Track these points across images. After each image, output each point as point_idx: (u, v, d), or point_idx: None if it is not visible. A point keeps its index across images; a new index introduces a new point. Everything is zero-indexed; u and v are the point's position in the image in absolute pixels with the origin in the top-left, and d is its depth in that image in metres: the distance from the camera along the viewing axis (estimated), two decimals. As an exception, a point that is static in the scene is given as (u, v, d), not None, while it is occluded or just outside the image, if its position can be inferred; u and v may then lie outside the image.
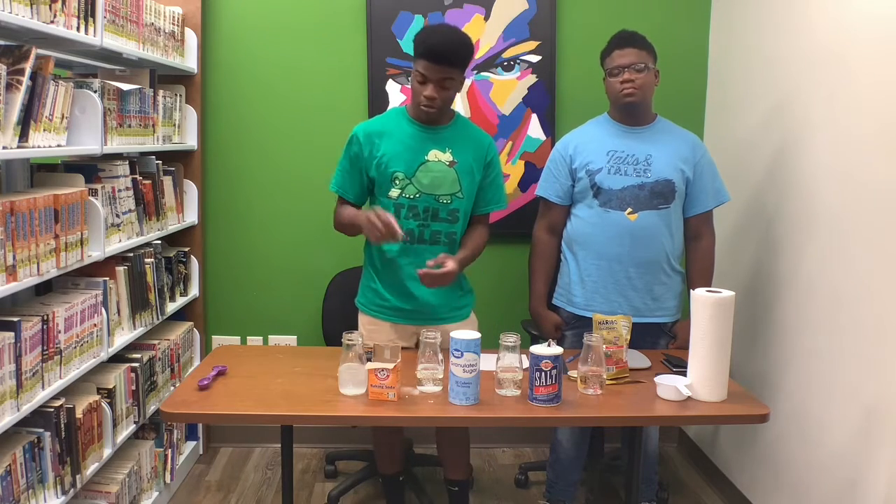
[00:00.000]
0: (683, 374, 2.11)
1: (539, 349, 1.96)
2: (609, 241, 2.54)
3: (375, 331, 2.45)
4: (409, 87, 3.14)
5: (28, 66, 1.88)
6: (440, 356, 2.03)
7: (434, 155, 2.38)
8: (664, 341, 2.64)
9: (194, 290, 3.28)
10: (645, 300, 2.57)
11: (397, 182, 2.38)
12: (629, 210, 2.51)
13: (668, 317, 2.62)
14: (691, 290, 2.06)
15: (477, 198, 2.47)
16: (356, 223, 2.36)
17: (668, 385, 2.03)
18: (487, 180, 2.47)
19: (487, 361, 2.05)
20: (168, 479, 2.95)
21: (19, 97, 1.86)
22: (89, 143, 2.25)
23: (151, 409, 2.75)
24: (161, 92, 2.85)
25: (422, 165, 2.38)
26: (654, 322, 2.59)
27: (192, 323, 3.24)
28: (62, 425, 2.11)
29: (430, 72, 2.26)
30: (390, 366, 1.96)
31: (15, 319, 1.89)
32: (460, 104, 3.31)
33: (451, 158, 2.39)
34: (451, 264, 2.29)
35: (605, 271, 2.56)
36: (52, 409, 2.07)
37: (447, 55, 2.26)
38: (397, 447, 2.76)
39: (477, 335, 1.95)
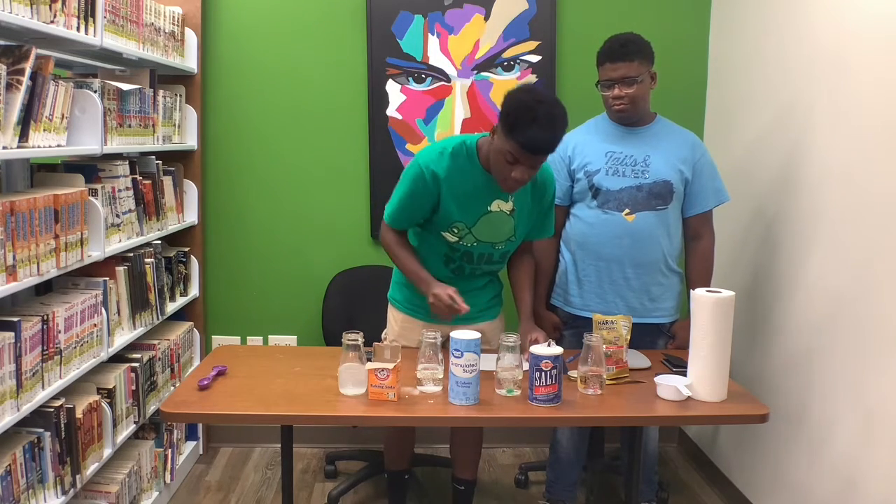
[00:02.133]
0: (683, 374, 2.11)
1: (539, 349, 1.96)
2: (606, 242, 2.54)
3: (409, 329, 2.43)
4: (412, 86, 3.07)
5: (28, 66, 1.88)
6: (440, 356, 2.04)
7: (497, 205, 2.28)
8: (662, 342, 2.64)
9: (194, 290, 3.28)
10: (642, 300, 2.57)
11: (455, 230, 2.30)
12: (627, 211, 2.51)
13: (665, 317, 2.62)
14: (691, 290, 2.06)
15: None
16: (414, 282, 2.34)
17: (668, 385, 2.03)
18: (541, 211, 2.41)
19: (487, 361, 2.05)
20: (168, 479, 2.95)
21: (19, 97, 1.86)
22: (89, 143, 2.25)
23: (151, 409, 2.75)
24: (161, 92, 2.86)
25: (483, 217, 2.28)
26: (652, 322, 2.59)
27: (192, 323, 3.24)
28: (62, 425, 2.11)
29: (523, 158, 2.08)
30: (390, 366, 1.96)
31: (15, 319, 1.89)
32: (460, 104, 3.31)
33: (511, 207, 2.30)
34: (535, 335, 2.26)
35: (603, 272, 2.56)
36: (52, 409, 2.07)
37: (547, 150, 2.11)
38: (408, 445, 2.76)
39: (477, 335, 1.95)
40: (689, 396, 2.02)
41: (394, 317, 2.52)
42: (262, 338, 3.45)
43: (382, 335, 2.54)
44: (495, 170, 2.18)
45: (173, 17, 2.98)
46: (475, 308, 2.40)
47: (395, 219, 2.37)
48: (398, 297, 2.51)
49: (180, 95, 3.11)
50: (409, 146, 3.32)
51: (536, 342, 2.15)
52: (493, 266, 2.42)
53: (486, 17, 3.29)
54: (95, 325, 2.29)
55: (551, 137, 2.08)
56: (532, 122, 2.03)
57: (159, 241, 2.88)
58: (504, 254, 2.41)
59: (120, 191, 2.49)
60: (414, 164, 2.29)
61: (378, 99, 3.31)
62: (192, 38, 3.16)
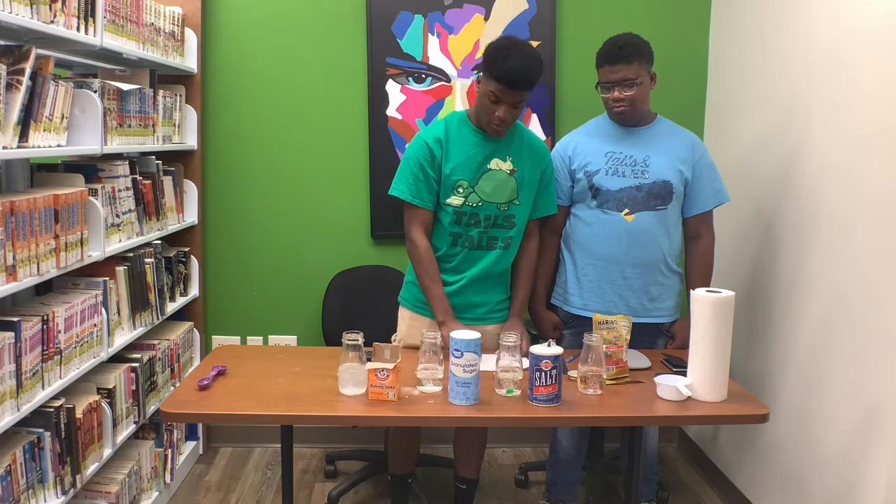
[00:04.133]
0: (683, 374, 2.11)
1: (539, 349, 1.96)
2: (606, 242, 2.54)
3: (417, 326, 2.44)
4: (412, 86, 3.10)
5: (28, 66, 1.88)
6: (440, 356, 2.04)
7: (496, 163, 2.39)
8: (662, 342, 2.64)
9: (194, 290, 3.28)
10: (642, 300, 2.57)
11: (460, 190, 2.38)
12: (626, 211, 2.51)
13: (665, 317, 2.61)
14: (691, 290, 2.06)
15: (532, 202, 2.49)
16: (430, 300, 2.40)
17: (668, 385, 2.03)
18: (542, 185, 2.49)
19: (487, 361, 2.05)
20: (168, 479, 2.95)
21: (19, 97, 1.86)
22: (89, 143, 2.25)
23: (151, 409, 2.75)
24: (161, 92, 2.86)
25: (484, 174, 2.38)
26: (652, 322, 2.59)
27: (192, 323, 3.24)
28: (62, 425, 2.11)
29: (504, 95, 2.24)
30: (390, 366, 1.96)
31: (15, 319, 1.89)
32: (460, 104, 3.31)
33: (511, 167, 2.40)
34: (517, 333, 2.24)
35: (602, 271, 2.56)
36: (52, 409, 2.07)
37: (525, 83, 2.24)
38: (414, 448, 2.77)
39: (477, 335, 1.95)
40: (689, 396, 2.02)
41: (402, 315, 2.54)
42: (262, 338, 3.45)
43: (392, 338, 2.54)
44: (482, 115, 2.33)
45: (173, 17, 2.98)
46: (484, 309, 2.44)
47: (411, 191, 2.41)
48: (406, 295, 2.54)
49: (180, 95, 3.11)
50: (408, 146, 3.32)
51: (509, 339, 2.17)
52: (501, 231, 2.43)
53: (486, 17, 3.29)
54: (95, 325, 2.29)
55: (526, 70, 2.23)
56: (507, 58, 2.22)
57: (159, 241, 2.88)
58: (509, 218, 2.42)
59: (120, 191, 2.49)
60: (414, 139, 2.46)
61: (378, 99, 3.31)
62: (192, 38, 3.16)
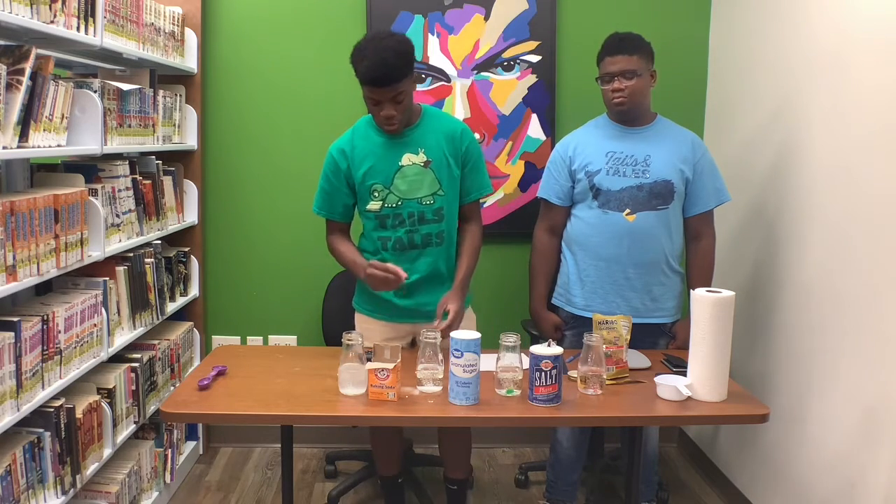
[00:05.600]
0: (683, 374, 2.11)
1: (539, 349, 1.96)
2: (607, 242, 2.54)
3: (370, 329, 2.44)
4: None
5: (28, 66, 1.88)
6: (440, 356, 2.03)
7: (407, 159, 2.36)
8: (663, 342, 2.64)
9: (194, 290, 3.28)
10: (644, 300, 2.57)
11: (376, 194, 2.36)
12: (627, 211, 2.51)
13: (667, 317, 2.62)
14: (691, 290, 2.06)
15: (461, 187, 2.44)
16: (354, 271, 2.40)
17: (668, 385, 2.03)
18: (467, 168, 2.43)
19: (487, 361, 2.05)
20: (168, 479, 2.95)
21: (19, 97, 1.86)
22: (89, 143, 2.25)
23: (151, 409, 2.75)
24: (161, 92, 2.86)
25: (397, 172, 2.35)
26: (653, 322, 2.59)
27: (192, 323, 3.24)
28: (62, 425, 2.11)
29: (376, 94, 2.22)
30: (390, 366, 1.96)
31: (15, 319, 1.89)
32: (460, 104, 3.31)
33: (424, 158, 2.36)
34: (452, 306, 2.29)
35: (604, 272, 2.56)
36: (52, 409, 2.07)
37: (386, 78, 2.18)
38: (396, 449, 2.74)
39: (476, 335, 1.95)
40: (689, 396, 2.02)
41: (356, 319, 2.54)
42: (262, 338, 3.45)
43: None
44: (374, 118, 2.32)
45: (173, 17, 2.98)
46: (426, 311, 2.40)
47: (320, 204, 2.46)
48: (357, 299, 2.55)
49: (180, 95, 3.11)
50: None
51: (448, 310, 2.24)
52: (431, 226, 2.39)
53: (486, 17, 3.29)
54: (95, 325, 2.29)
55: (383, 64, 2.16)
56: (363, 59, 2.19)
57: (159, 241, 2.88)
58: (437, 211, 2.38)
59: (120, 191, 2.49)
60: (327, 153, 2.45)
61: (378, 99, 3.30)
62: (192, 38, 3.16)
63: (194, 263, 3.28)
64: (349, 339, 2.00)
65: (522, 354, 2.04)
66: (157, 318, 2.81)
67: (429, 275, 2.41)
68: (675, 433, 3.60)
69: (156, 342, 2.83)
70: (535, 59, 3.31)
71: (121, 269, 2.50)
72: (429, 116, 2.42)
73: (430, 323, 2.29)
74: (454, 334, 1.95)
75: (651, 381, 2.11)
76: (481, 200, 2.55)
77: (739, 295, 2.16)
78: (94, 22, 2.24)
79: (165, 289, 2.92)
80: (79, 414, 2.19)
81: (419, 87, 3.30)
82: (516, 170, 3.36)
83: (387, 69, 2.17)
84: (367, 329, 2.45)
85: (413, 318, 2.43)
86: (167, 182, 2.96)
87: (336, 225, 2.48)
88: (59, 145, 2.10)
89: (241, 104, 3.33)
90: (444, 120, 2.47)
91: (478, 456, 3.37)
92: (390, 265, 2.25)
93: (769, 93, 2.83)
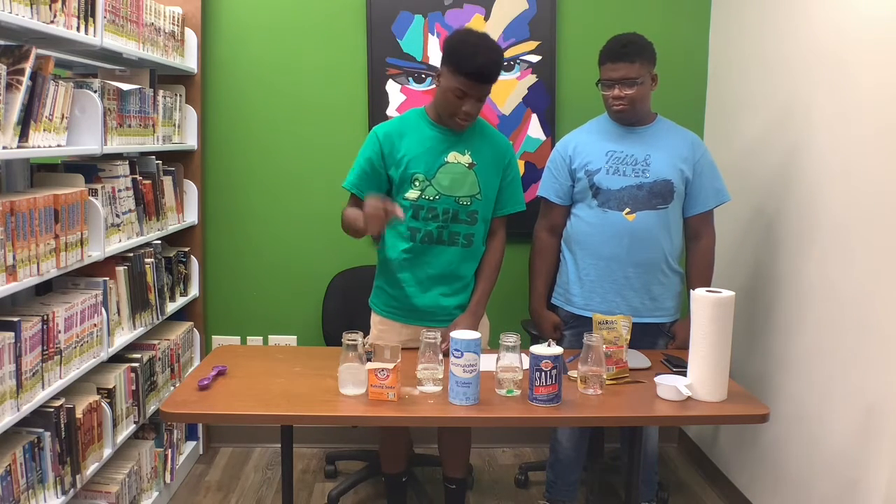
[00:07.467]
0: (683, 374, 2.10)
1: (539, 349, 1.96)
2: (607, 242, 2.54)
3: (386, 331, 2.45)
4: (412, 86, 3.08)
5: (28, 66, 1.88)
6: (440, 356, 2.04)
7: (454, 156, 2.37)
8: (663, 341, 2.64)
9: (194, 290, 3.28)
10: (643, 300, 2.57)
11: (417, 184, 2.36)
12: (627, 210, 2.51)
13: (666, 317, 2.62)
14: (691, 290, 2.06)
15: (497, 199, 2.46)
16: (358, 221, 2.31)
17: (668, 385, 2.03)
18: (506, 181, 2.46)
19: (487, 361, 2.05)
20: (168, 479, 2.95)
21: (19, 97, 1.86)
22: (89, 143, 2.25)
23: (151, 409, 2.75)
24: (161, 92, 2.86)
25: (441, 167, 2.36)
26: (653, 322, 2.59)
27: (192, 323, 3.24)
28: (62, 425, 2.11)
29: (472, 90, 2.24)
30: (390, 366, 1.95)
31: (15, 319, 1.89)
32: (460, 104, 3.31)
33: (470, 160, 2.38)
34: (461, 323, 2.30)
35: (603, 271, 2.56)
36: (52, 409, 2.07)
37: (494, 76, 2.25)
38: (403, 447, 2.76)
39: (477, 335, 1.95)
40: (689, 396, 2.02)
41: (372, 320, 2.54)
42: (262, 338, 3.45)
43: (364, 341, 2.53)
44: (446, 110, 2.31)
45: (173, 17, 2.98)
46: (458, 308, 2.41)
47: (353, 182, 2.44)
48: (374, 299, 2.54)
49: (180, 95, 3.11)
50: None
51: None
52: (461, 227, 2.39)
53: (486, 17, 3.29)
54: (95, 325, 2.29)
55: (495, 64, 2.25)
56: (476, 54, 2.21)
57: (159, 241, 2.88)
58: (471, 213, 2.39)
59: (120, 191, 2.49)
60: (370, 133, 2.45)
61: (378, 99, 3.31)
62: (192, 38, 3.16)
63: (194, 263, 3.28)
64: (349, 339, 1.99)
65: (522, 354, 2.04)
66: (157, 318, 2.81)
67: (448, 272, 2.41)
68: (675, 433, 3.60)
69: (156, 342, 2.83)
70: (534, 59, 3.31)
71: (121, 269, 2.50)
72: (479, 123, 2.45)
73: (444, 326, 2.30)
74: (454, 334, 1.95)
75: (651, 381, 2.11)
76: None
77: (739, 295, 2.16)
78: (94, 22, 2.24)
79: (165, 289, 2.92)
80: (79, 414, 2.19)
81: (419, 87, 3.30)
82: (516, 170, 3.36)
83: (496, 67, 2.25)
84: (382, 330, 2.46)
85: (428, 320, 2.39)
86: (167, 182, 2.96)
87: (359, 202, 2.39)
88: (59, 145, 2.10)
89: (241, 104, 3.33)
90: (492, 130, 2.51)
91: (478, 456, 3.37)
92: (390, 202, 2.17)
93: (769, 93, 2.83)
